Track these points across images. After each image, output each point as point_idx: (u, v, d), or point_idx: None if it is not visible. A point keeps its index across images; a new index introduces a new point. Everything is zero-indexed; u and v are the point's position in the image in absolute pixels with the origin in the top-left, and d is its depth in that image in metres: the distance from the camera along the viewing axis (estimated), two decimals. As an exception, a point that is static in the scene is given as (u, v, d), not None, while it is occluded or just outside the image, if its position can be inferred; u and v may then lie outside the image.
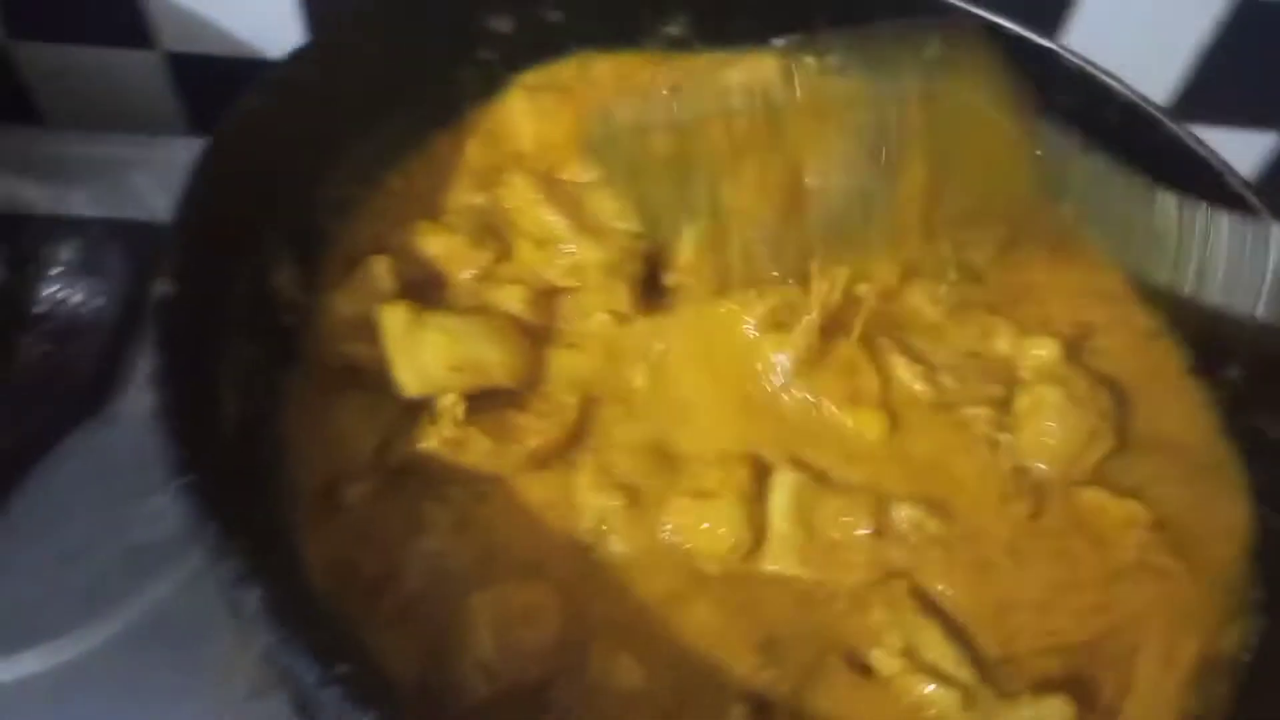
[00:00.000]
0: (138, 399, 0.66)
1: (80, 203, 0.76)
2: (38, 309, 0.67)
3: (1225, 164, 0.57)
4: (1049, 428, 0.52)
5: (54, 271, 0.70)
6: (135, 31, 0.84)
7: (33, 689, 0.54)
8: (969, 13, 0.64)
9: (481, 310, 0.54)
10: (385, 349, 0.50)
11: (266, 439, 0.47)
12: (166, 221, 0.72)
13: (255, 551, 0.36)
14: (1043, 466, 0.52)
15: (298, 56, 0.54)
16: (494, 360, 0.51)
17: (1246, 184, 0.56)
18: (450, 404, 0.48)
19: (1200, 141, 0.58)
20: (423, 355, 0.50)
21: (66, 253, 0.71)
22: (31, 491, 0.61)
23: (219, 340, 0.46)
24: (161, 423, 0.38)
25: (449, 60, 0.62)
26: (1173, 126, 0.59)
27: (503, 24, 0.63)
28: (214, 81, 0.87)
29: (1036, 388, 0.54)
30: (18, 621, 0.56)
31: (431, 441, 0.48)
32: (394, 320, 0.50)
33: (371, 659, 0.41)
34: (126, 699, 0.54)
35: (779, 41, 0.52)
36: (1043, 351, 0.56)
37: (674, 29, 0.68)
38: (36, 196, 0.76)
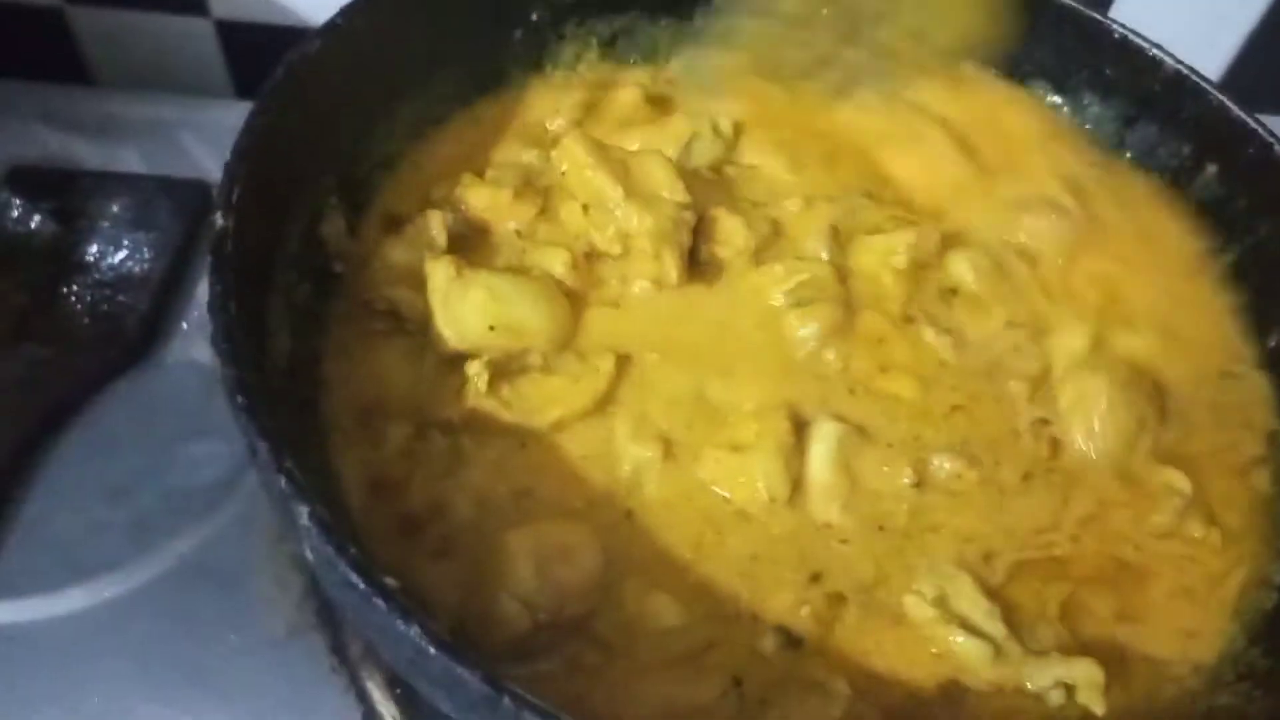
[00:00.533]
0: (183, 349, 0.67)
1: (130, 160, 0.78)
2: (89, 260, 0.69)
3: (1272, 132, 0.57)
4: (1098, 422, 0.52)
5: (104, 225, 0.72)
6: (187, -2, 0.85)
7: (78, 624, 0.56)
8: (1018, -19, 0.64)
9: (524, 271, 0.54)
10: (430, 301, 0.51)
11: (311, 374, 0.48)
12: (214, 180, 0.75)
13: (304, 470, 0.36)
14: (1093, 456, 0.52)
15: (352, 8, 0.55)
16: (533, 325, 0.52)
17: (1293, 152, 0.56)
18: (475, 373, 0.49)
19: (1248, 111, 0.58)
20: (464, 311, 0.51)
21: (117, 207, 0.73)
22: (79, 433, 0.62)
23: (270, 275, 0.47)
24: (217, 346, 0.39)
25: (499, 19, 0.63)
26: (1219, 95, 0.59)
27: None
28: (262, 48, 0.88)
29: (1080, 376, 0.54)
30: (64, 558, 0.57)
31: (464, 404, 0.49)
32: (440, 274, 0.51)
33: (414, 583, 0.41)
34: (168, 637, 0.56)
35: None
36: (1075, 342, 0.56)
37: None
38: (87, 153, 0.78)
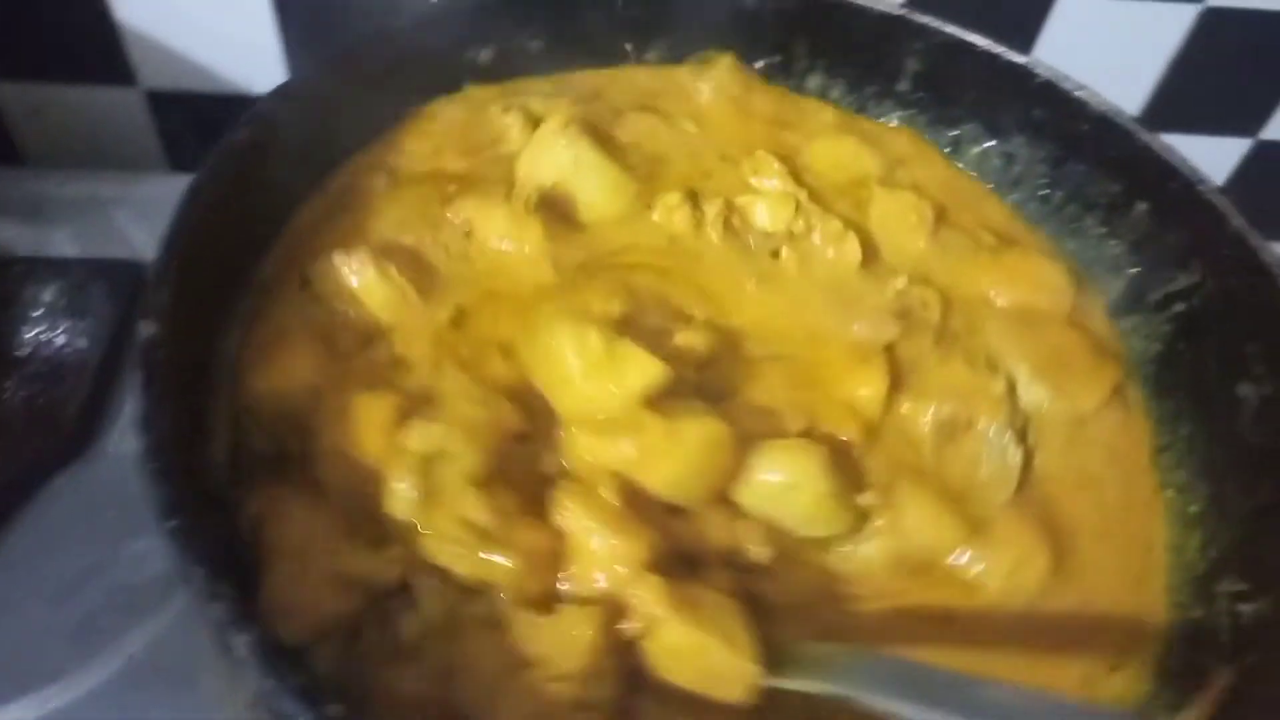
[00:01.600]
0: (123, 439, 0.65)
1: (62, 242, 0.76)
2: (20, 351, 0.67)
3: (1195, 171, 0.58)
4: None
5: (36, 313, 0.70)
6: (115, 69, 0.84)
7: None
8: (943, 31, 0.65)
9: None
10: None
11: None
12: (149, 259, 0.73)
13: (243, 597, 0.35)
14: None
15: (280, 93, 0.54)
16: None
17: (1217, 190, 0.57)
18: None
19: (1171, 150, 0.59)
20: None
21: (49, 294, 0.71)
22: (18, 533, 0.60)
23: (209, 371, 0.46)
24: (146, 465, 0.38)
25: (434, 93, 0.63)
26: (1144, 137, 0.60)
27: (485, 55, 0.64)
28: (195, 118, 0.87)
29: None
30: (8, 667, 0.55)
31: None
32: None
33: (362, 697, 0.40)
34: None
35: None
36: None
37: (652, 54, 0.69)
38: (17, 237, 0.76)
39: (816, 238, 0.60)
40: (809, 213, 0.61)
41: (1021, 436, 0.55)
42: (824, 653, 0.42)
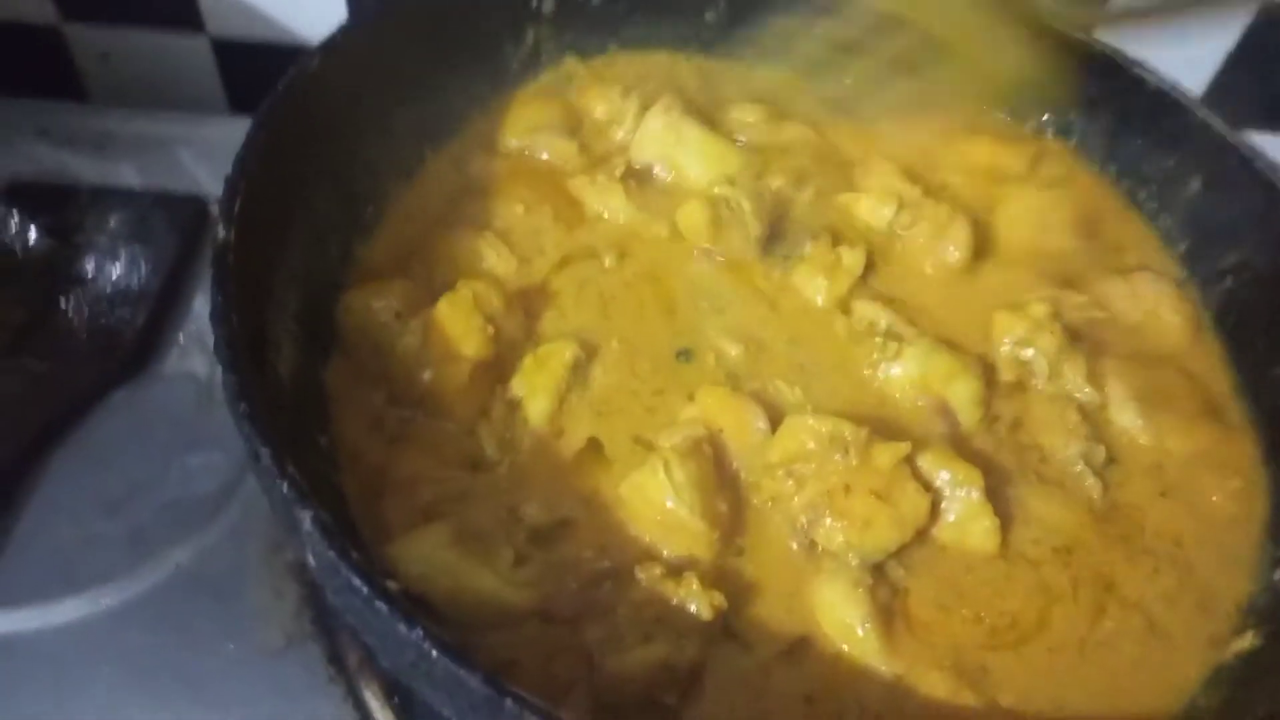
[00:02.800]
0: (179, 362, 0.67)
1: (127, 176, 0.78)
2: (86, 275, 0.69)
3: (1251, 148, 0.58)
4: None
5: (101, 240, 0.72)
6: (184, 15, 0.86)
7: (75, 635, 0.56)
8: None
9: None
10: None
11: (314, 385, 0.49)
12: (212, 194, 0.75)
13: (306, 476, 0.37)
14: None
15: (351, 28, 0.56)
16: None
17: (1273, 166, 0.57)
18: None
19: (1228, 127, 0.59)
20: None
21: (113, 222, 0.73)
22: (76, 445, 0.63)
23: (271, 288, 0.48)
24: (219, 353, 0.40)
25: (496, 39, 0.64)
26: (1201, 113, 0.60)
27: (547, 5, 0.65)
28: (256, 65, 0.89)
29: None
30: (61, 569, 0.57)
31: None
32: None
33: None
34: (165, 647, 0.56)
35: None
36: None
37: (710, 14, 0.70)
38: (84, 169, 0.78)
39: (921, 233, 0.60)
40: (918, 206, 0.61)
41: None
42: None
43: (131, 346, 0.67)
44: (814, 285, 0.57)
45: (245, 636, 0.56)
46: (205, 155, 0.81)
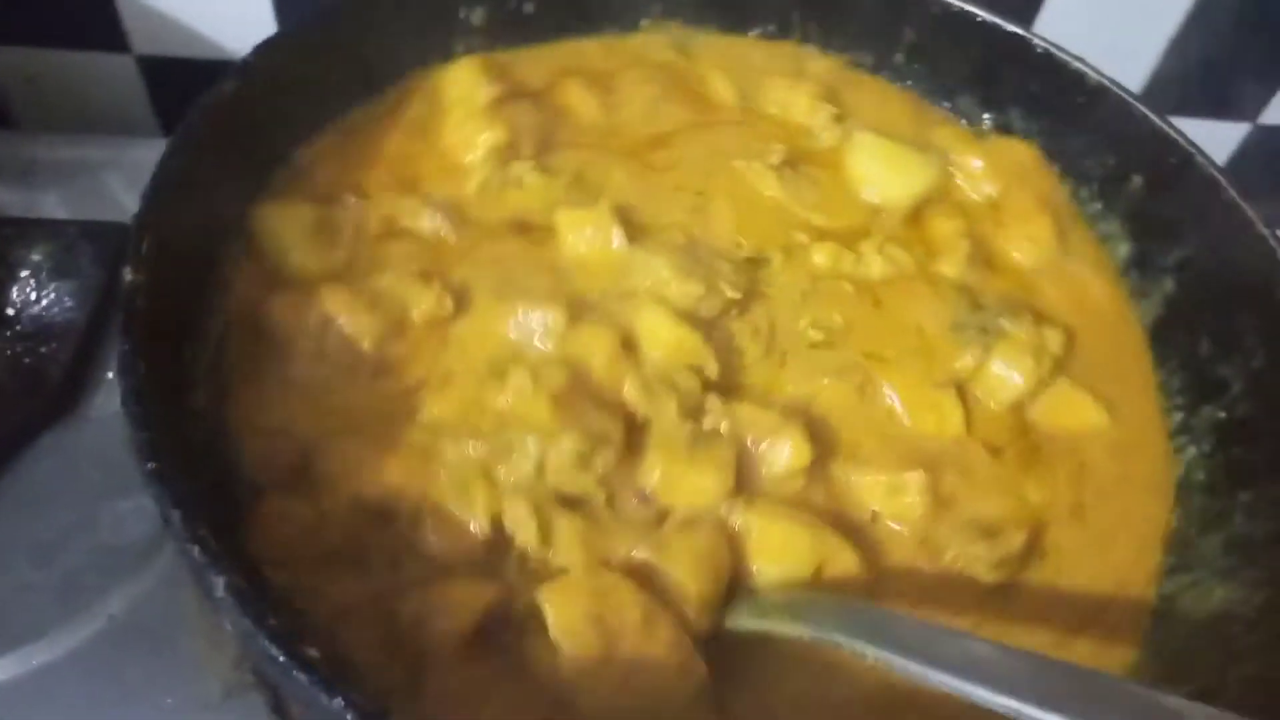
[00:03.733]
0: (108, 400, 0.65)
1: (51, 205, 0.76)
2: (9, 310, 0.66)
3: (1193, 144, 0.58)
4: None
5: (24, 273, 0.69)
6: (108, 35, 0.83)
7: (6, 693, 0.53)
8: (942, 1, 0.65)
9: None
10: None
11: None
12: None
13: (219, 537, 0.35)
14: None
15: (266, 46, 0.54)
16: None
17: (1214, 164, 0.57)
18: None
19: (1169, 122, 0.59)
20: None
21: (37, 254, 0.70)
22: (2, 492, 0.60)
23: (192, 322, 0.46)
24: (126, 408, 0.38)
25: (423, 53, 0.62)
26: (1141, 108, 0.60)
27: (476, 16, 0.63)
28: (186, 84, 0.86)
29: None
30: (-13, 625, 0.55)
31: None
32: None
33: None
34: (101, 702, 0.53)
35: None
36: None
37: (645, 20, 0.69)
38: (6, 199, 0.76)
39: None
40: None
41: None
42: (793, 599, 0.42)
43: (58, 386, 0.64)
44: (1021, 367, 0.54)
45: (183, 688, 0.54)
46: (134, 180, 0.76)
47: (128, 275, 0.41)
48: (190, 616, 0.56)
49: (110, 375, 0.66)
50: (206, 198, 0.49)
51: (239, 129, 0.51)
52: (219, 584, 0.34)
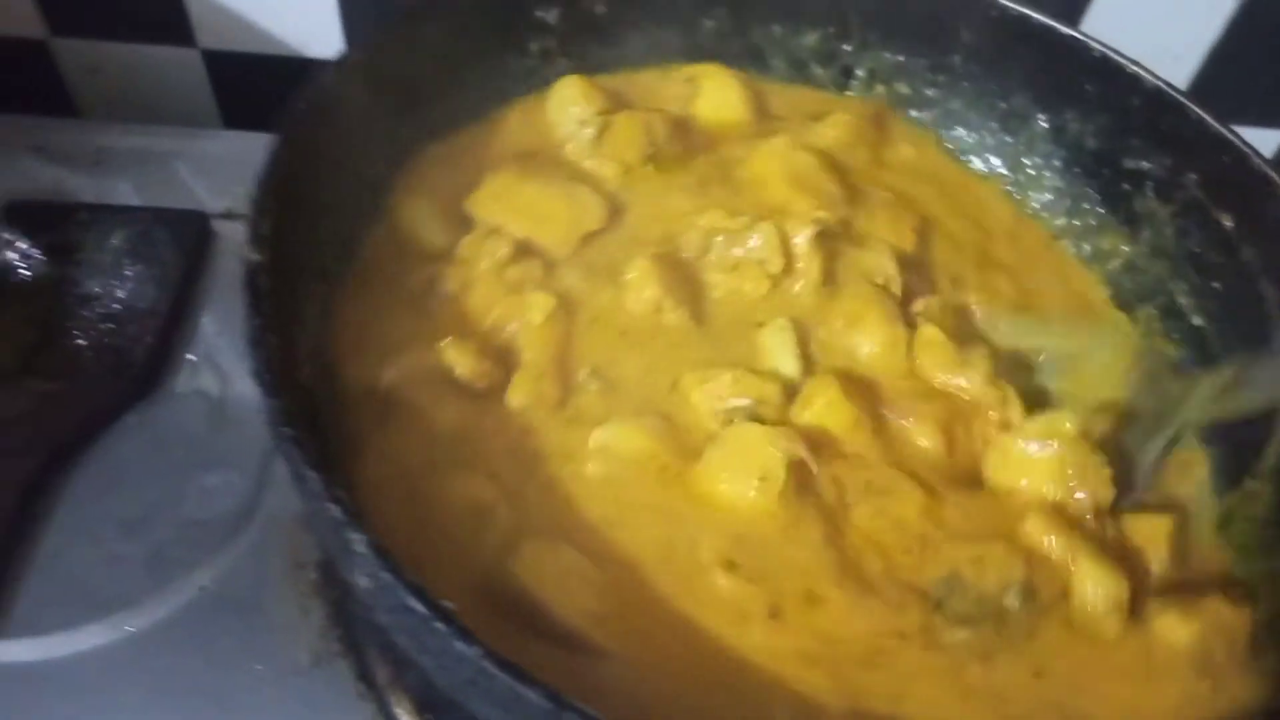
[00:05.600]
0: (189, 380, 0.67)
1: (124, 192, 0.78)
2: (92, 294, 0.69)
3: (1249, 145, 0.60)
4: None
5: (105, 259, 0.71)
6: (175, 29, 0.86)
7: (101, 660, 0.55)
8: (998, 4, 0.67)
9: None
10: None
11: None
12: (212, 209, 0.75)
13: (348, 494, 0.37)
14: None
15: (364, 43, 0.56)
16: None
17: (1270, 163, 0.59)
18: None
19: (1225, 124, 0.61)
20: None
21: (116, 240, 0.72)
22: (92, 468, 0.62)
23: (297, 305, 0.48)
24: (260, 379, 0.40)
25: (500, 51, 0.64)
26: (1197, 109, 0.62)
27: (550, 15, 0.66)
28: (249, 78, 0.89)
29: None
30: (83, 593, 0.57)
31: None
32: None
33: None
34: (192, 669, 0.55)
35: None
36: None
37: (710, 22, 0.71)
38: (81, 186, 0.78)
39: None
40: None
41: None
42: None
43: (142, 366, 0.66)
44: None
45: (272, 656, 0.56)
46: (202, 170, 0.80)
47: (251, 256, 0.43)
48: (278, 587, 0.59)
49: (190, 357, 0.68)
50: (310, 184, 0.51)
51: (341, 117, 0.53)
52: (358, 540, 0.36)
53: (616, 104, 0.65)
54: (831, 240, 0.59)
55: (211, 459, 0.63)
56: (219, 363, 0.68)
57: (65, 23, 0.86)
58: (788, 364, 0.55)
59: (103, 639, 0.56)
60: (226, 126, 0.92)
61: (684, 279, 0.57)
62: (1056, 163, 0.69)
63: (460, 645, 0.35)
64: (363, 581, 0.37)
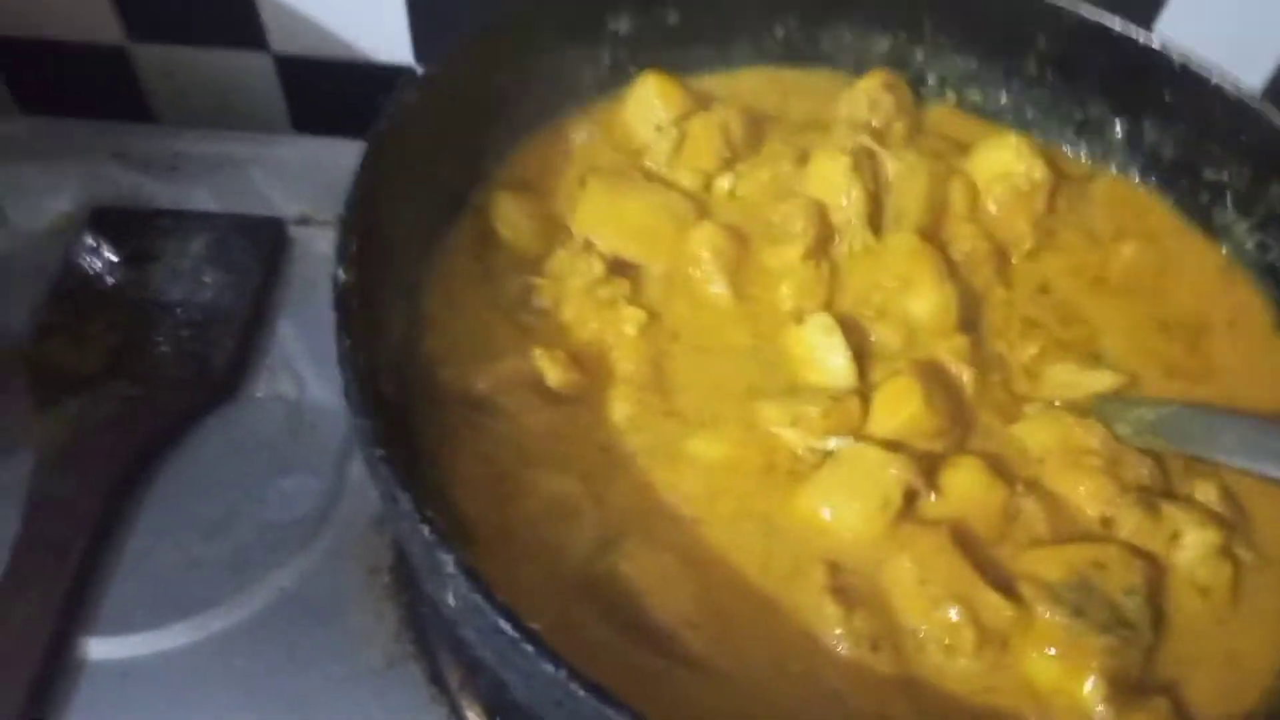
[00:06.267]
0: (269, 386, 0.69)
1: (202, 198, 0.80)
2: (174, 299, 0.71)
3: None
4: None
5: (185, 264, 0.73)
6: (248, 33, 0.87)
7: (185, 659, 0.57)
8: (1074, 13, 0.66)
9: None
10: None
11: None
12: (287, 216, 0.77)
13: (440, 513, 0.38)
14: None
15: (441, 62, 0.57)
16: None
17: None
18: None
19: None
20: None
21: (195, 246, 0.74)
22: (173, 471, 0.64)
23: (381, 319, 0.49)
24: (350, 399, 0.41)
25: (574, 61, 0.65)
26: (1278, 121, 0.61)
27: (622, 26, 0.66)
28: (321, 83, 0.90)
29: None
30: (167, 594, 0.59)
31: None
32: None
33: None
34: (272, 670, 0.57)
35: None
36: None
37: (781, 29, 0.71)
38: (159, 191, 0.80)
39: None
40: None
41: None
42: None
43: (222, 371, 0.68)
44: None
45: (348, 658, 0.58)
46: (276, 175, 0.82)
47: (340, 276, 0.44)
48: (354, 590, 0.60)
49: (268, 362, 0.70)
50: (391, 202, 0.52)
51: (423, 133, 0.54)
52: (449, 561, 0.37)
53: (694, 101, 0.65)
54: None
55: (289, 463, 0.65)
56: (296, 368, 0.69)
57: (142, 28, 0.88)
58: (840, 369, 0.54)
59: (186, 639, 0.58)
60: (296, 130, 0.94)
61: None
62: (1134, 171, 0.68)
63: (548, 667, 0.35)
64: (451, 600, 0.38)
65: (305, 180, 0.81)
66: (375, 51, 0.88)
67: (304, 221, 0.77)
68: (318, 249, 0.76)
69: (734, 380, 0.54)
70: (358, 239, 0.46)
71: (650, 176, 0.62)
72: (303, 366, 0.69)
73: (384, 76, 0.89)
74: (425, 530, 0.37)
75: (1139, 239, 0.64)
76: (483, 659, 0.40)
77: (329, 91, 0.90)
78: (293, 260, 0.75)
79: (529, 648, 0.36)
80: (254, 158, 0.83)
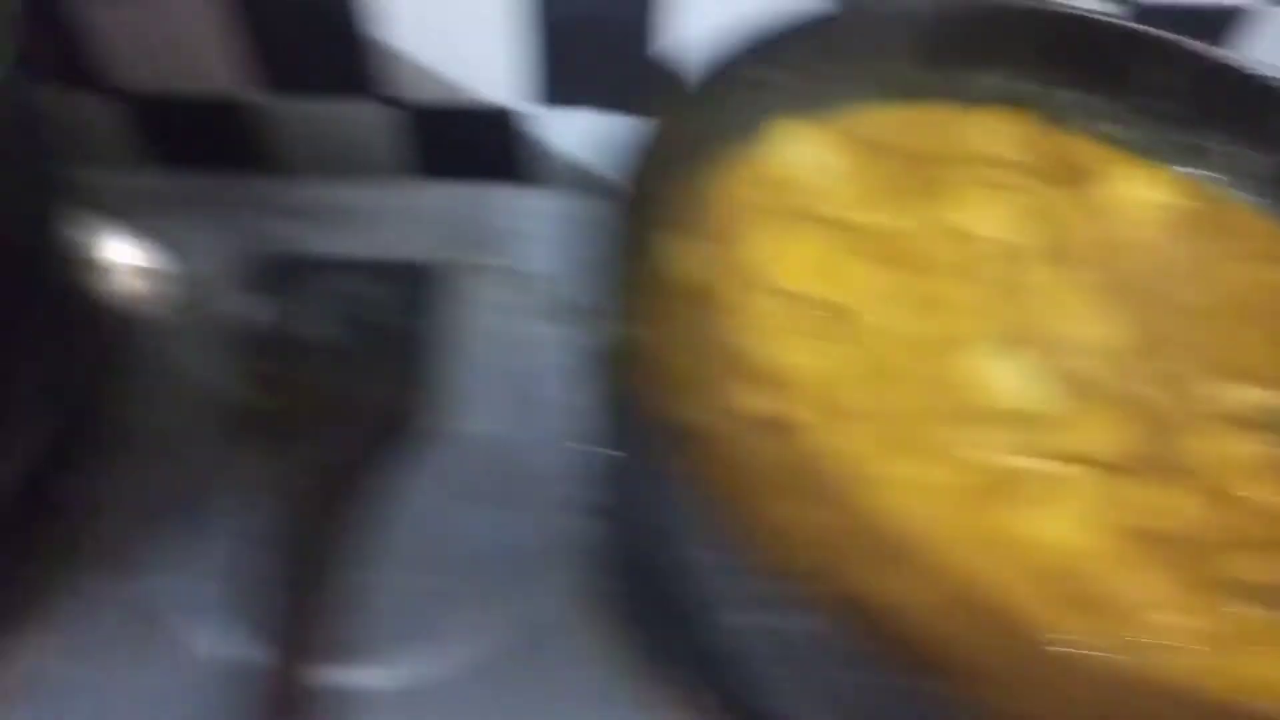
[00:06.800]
0: (469, 423, 0.72)
1: (341, 245, 0.83)
2: (353, 344, 0.74)
3: None
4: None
5: (332, 308, 0.77)
6: (369, 82, 0.90)
7: (432, 691, 0.60)
8: (1197, 51, 0.70)
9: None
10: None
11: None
12: (425, 261, 0.80)
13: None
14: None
15: (661, 116, 0.60)
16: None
17: None
18: None
19: None
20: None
21: (342, 293, 0.78)
22: (384, 508, 0.67)
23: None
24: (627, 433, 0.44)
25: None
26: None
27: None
28: (446, 129, 0.94)
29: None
30: (411, 623, 0.62)
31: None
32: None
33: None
34: (518, 704, 0.59)
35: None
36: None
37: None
38: (297, 238, 0.83)
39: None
40: None
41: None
42: None
43: (415, 410, 0.72)
44: None
45: (592, 691, 0.60)
46: (410, 220, 0.86)
47: (606, 326, 0.48)
48: (593, 623, 0.62)
49: (456, 401, 0.73)
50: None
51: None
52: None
53: (847, 140, 0.70)
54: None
55: (494, 498, 0.68)
56: (494, 406, 0.73)
57: (275, 81, 0.91)
58: (1037, 396, 0.59)
59: (436, 670, 0.60)
60: (425, 175, 0.97)
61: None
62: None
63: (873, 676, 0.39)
64: (742, 619, 0.41)
65: (439, 225, 0.85)
66: (493, 95, 0.92)
67: (448, 266, 0.81)
68: (469, 291, 0.80)
69: (930, 407, 0.58)
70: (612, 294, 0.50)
71: (817, 218, 0.66)
72: (482, 404, 0.73)
73: (498, 120, 0.93)
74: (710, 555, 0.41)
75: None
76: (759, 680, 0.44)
77: (454, 137, 0.94)
78: (454, 303, 0.79)
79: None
80: (383, 205, 0.87)
